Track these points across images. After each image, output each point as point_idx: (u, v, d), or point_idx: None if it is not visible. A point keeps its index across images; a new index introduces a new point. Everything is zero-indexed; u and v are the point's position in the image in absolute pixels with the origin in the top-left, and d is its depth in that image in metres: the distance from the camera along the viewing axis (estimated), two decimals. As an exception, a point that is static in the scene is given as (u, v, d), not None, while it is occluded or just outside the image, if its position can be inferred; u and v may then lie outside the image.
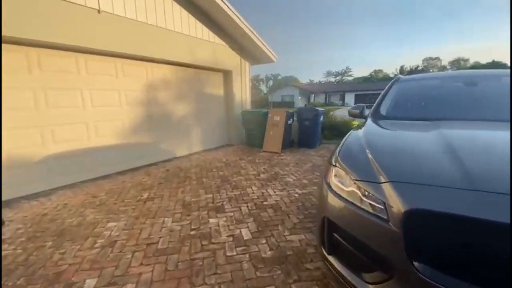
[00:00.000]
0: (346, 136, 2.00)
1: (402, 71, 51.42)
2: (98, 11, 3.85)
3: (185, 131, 6.01)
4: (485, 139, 1.67)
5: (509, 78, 2.32)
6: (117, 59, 4.48)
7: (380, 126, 2.15)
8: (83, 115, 4.11)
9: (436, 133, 1.66)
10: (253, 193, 3.52)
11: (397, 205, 1.13)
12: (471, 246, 1.02)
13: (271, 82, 73.39)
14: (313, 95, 43.89)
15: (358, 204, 1.32)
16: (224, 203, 3.21)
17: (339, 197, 1.43)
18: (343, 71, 67.31)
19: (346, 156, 1.66)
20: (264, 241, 2.32)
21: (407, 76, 3.14)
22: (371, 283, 1.24)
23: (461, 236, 1.03)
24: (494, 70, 2.74)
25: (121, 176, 4.40)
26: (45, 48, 3.61)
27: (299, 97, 40.64)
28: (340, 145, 1.85)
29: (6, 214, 2.95)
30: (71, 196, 3.54)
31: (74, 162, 4.05)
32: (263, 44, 6.89)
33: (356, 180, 1.38)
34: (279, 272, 1.90)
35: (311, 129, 6.45)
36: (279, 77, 74.39)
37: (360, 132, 1.98)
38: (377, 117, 2.39)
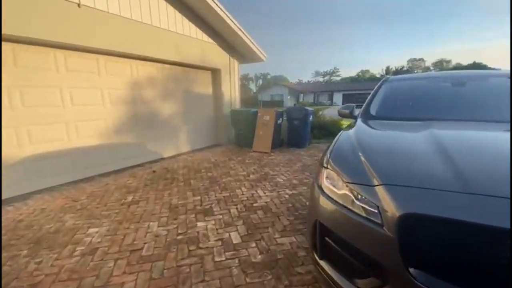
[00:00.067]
0: (337, 137, 1.95)
1: (388, 71, 52.82)
2: (78, 5, 3.66)
3: (172, 131, 5.85)
4: (476, 140, 1.67)
5: (497, 78, 2.36)
6: (99, 56, 4.28)
7: (371, 127, 2.13)
8: (63, 114, 3.90)
9: (427, 133, 1.65)
10: (242, 194, 3.45)
11: (392, 209, 1.09)
12: (468, 251, 0.99)
13: (260, 81, 73.53)
14: (302, 94, 44.27)
15: (351, 208, 1.28)
16: (213, 205, 3.12)
17: (331, 200, 1.39)
18: (331, 71, 68.21)
19: (338, 158, 1.62)
20: (254, 244, 2.26)
21: (397, 76, 3.15)
22: None
23: (458, 241, 1.00)
24: (484, 71, 2.79)
25: (104, 178, 4.21)
26: (21, 44, 3.39)
27: (288, 97, 40.91)
28: (331, 146, 1.80)
29: (-23, 221, 2.75)
30: (50, 200, 3.34)
31: (53, 164, 3.84)
32: (252, 43, 6.80)
33: (348, 182, 1.34)
34: (269, 277, 1.85)
35: (300, 128, 6.45)
36: (269, 76, 74.61)
37: (351, 132, 1.94)
38: (367, 117, 2.37)
